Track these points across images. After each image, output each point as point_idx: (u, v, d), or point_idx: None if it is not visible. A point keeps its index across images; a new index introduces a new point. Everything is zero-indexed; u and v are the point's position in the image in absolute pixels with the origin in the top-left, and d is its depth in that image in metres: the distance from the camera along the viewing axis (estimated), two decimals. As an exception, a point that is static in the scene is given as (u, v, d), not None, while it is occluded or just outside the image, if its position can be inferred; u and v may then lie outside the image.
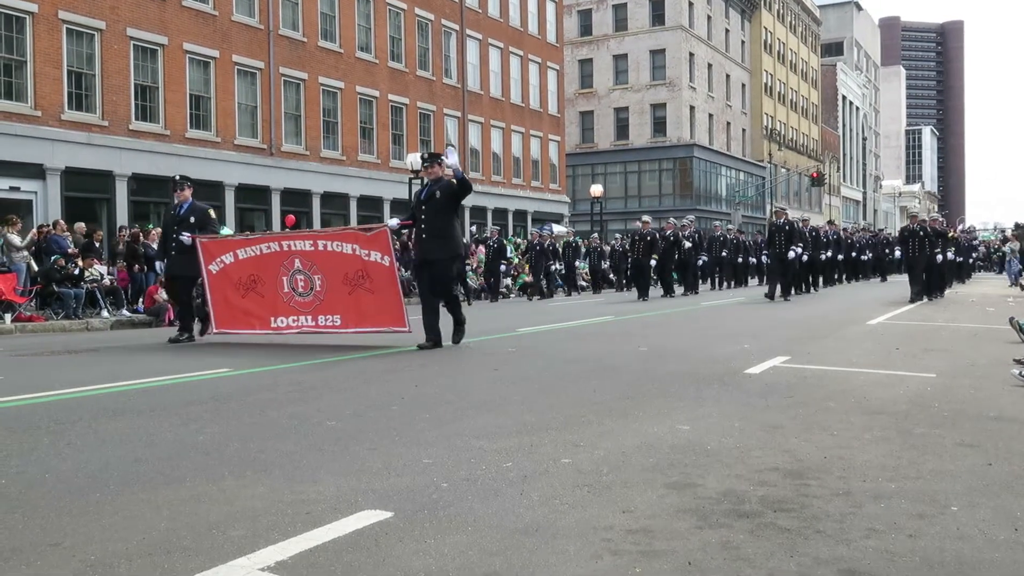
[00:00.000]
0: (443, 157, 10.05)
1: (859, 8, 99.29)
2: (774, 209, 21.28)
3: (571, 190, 48.90)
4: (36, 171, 21.08)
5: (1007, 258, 31.57)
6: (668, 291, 22.73)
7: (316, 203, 29.05)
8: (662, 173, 53.62)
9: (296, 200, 28.16)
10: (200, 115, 25.03)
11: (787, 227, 19.53)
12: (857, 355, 8.60)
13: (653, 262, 21.39)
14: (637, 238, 21.83)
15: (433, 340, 9.54)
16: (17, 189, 20.88)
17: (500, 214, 38.49)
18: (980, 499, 3.51)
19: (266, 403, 6.02)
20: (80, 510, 3.43)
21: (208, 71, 25.33)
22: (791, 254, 19.11)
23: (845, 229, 35.58)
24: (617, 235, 36.22)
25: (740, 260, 29.01)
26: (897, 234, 24.15)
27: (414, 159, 27.77)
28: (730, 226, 32.39)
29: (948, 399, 5.95)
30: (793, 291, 20.31)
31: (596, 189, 41.21)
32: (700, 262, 25.93)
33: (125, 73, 22.95)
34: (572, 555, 2.86)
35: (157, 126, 23.75)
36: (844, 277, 29.08)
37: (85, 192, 22.33)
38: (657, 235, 21.99)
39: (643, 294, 20.95)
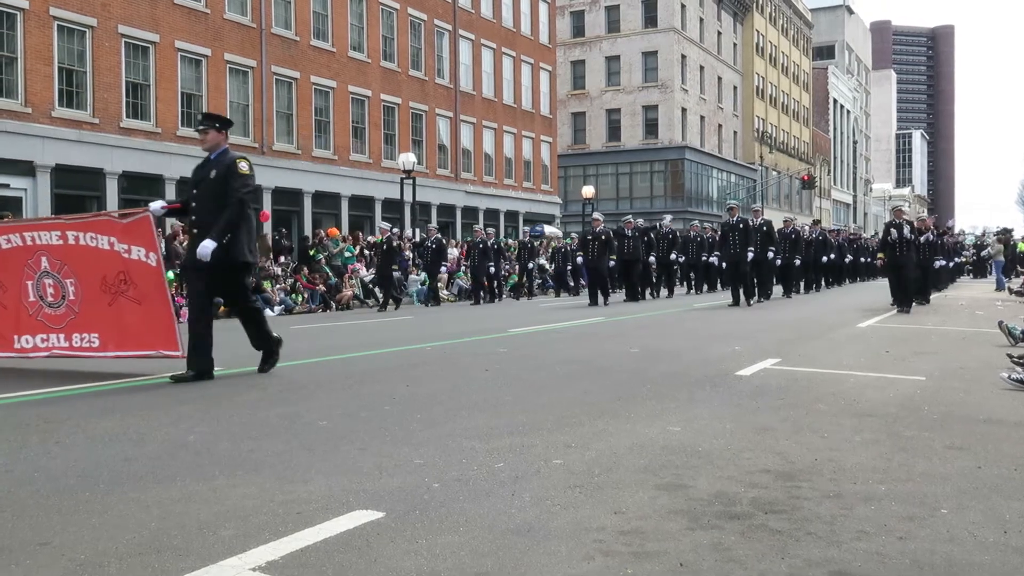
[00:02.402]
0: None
1: (850, 12, 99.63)
2: (728, 206, 19.32)
3: (563, 191, 48.94)
4: (26, 168, 20.99)
5: (988, 261, 31.79)
6: (632, 295, 20.82)
7: (307, 202, 29.00)
8: (654, 175, 53.69)
9: (287, 199, 28.11)
10: (192, 113, 24.94)
11: (741, 225, 17.80)
12: (847, 358, 8.63)
13: (612, 263, 19.69)
14: (590, 238, 19.92)
15: (198, 368, 6.98)
16: (7, 186, 20.78)
17: (492, 215, 38.49)
18: (970, 501, 3.52)
19: (256, 402, 6.01)
20: (70, 509, 3.42)
21: (200, 69, 25.26)
22: (750, 255, 17.44)
23: (835, 231, 34.74)
24: (574, 235, 33.92)
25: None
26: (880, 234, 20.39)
27: (406, 159, 27.75)
28: (707, 225, 29.50)
29: (938, 402, 5.97)
30: (758, 297, 18.53)
31: (588, 190, 41.26)
32: (676, 264, 24.48)
33: (116, 70, 22.87)
34: (564, 556, 2.86)
35: (148, 124, 23.68)
36: (826, 280, 26.63)
37: (75, 190, 22.24)
38: (612, 233, 20.21)
39: (594, 299, 19.02)
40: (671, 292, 23.80)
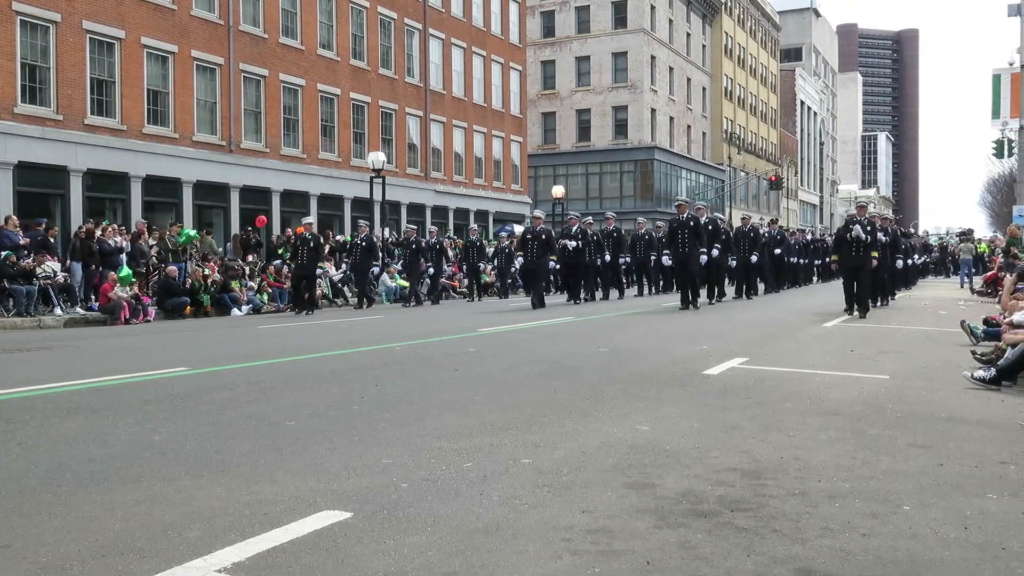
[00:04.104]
0: None
1: (818, 15, 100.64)
2: (676, 203, 17.91)
3: (533, 191, 48.96)
4: (-12, 165, 20.65)
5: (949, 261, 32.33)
6: (573, 296, 19.72)
7: (276, 201, 28.77)
8: (623, 175, 53.89)
9: (256, 198, 27.87)
10: (158, 110, 24.66)
11: (691, 223, 16.66)
12: (814, 357, 8.72)
13: (553, 263, 18.76)
14: (529, 237, 18.81)
15: None
16: (-32, 183, 20.42)
17: (462, 214, 38.43)
18: (932, 499, 3.58)
19: (224, 402, 5.96)
20: (31, 511, 3.37)
21: (166, 66, 24.97)
22: (703, 258, 16.49)
23: (799, 231, 33.72)
24: (503, 232, 32.07)
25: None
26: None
27: (376, 158, 27.62)
28: (660, 223, 26.26)
29: (901, 400, 6.05)
30: (707, 299, 17.64)
31: (558, 190, 41.31)
32: (623, 264, 22.95)
33: (81, 67, 22.54)
34: (532, 555, 2.86)
35: (113, 121, 23.37)
36: (782, 281, 25.07)
37: (39, 187, 21.88)
38: (552, 232, 19.05)
39: (539, 301, 17.68)
40: (621, 293, 22.43)
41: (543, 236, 18.55)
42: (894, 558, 2.87)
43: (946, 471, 4.06)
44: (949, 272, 39.13)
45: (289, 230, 25.64)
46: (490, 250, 27.10)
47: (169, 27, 24.93)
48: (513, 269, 24.65)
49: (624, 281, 23.75)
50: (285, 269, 20.92)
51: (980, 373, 6.87)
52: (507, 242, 25.64)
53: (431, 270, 22.31)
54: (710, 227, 17.40)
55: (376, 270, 21.63)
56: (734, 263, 20.90)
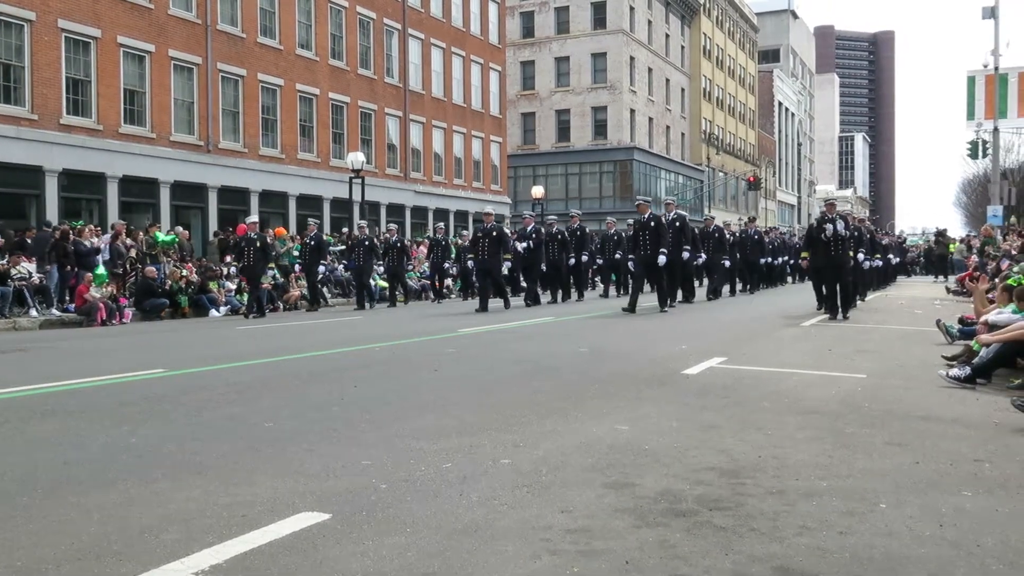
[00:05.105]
0: None
1: (795, 17, 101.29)
2: (636, 202, 16.84)
3: (512, 191, 48.98)
4: (-39, 165, 20.41)
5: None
6: (531, 298, 18.81)
7: (254, 201, 28.61)
8: (603, 175, 54.00)
9: (234, 199, 27.71)
10: (134, 110, 24.47)
11: (652, 223, 15.82)
12: (791, 356, 8.77)
13: (507, 265, 17.73)
14: (480, 235, 17.81)
15: None
16: (-59, 183, 20.19)
17: (441, 214, 38.36)
18: (908, 496, 3.61)
19: (202, 404, 5.92)
20: (6, 514, 3.33)
21: (143, 65, 24.78)
22: (661, 259, 15.48)
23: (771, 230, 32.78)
24: (465, 231, 31.74)
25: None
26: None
27: (355, 158, 27.54)
28: (629, 222, 24.31)
29: (878, 399, 6.10)
30: (669, 301, 16.58)
31: (537, 191, 41.33)
32: (595, 264, 22.46)
33: (56, 66, 22.33)
34: (511, 555, 2.87)
35: (89, 121, 23.16)
36: (755, 282, 24.08)
37: (13, 188, 21.66)
38: (505, 231, 18.17)
39: (483, 305, 16.91)
40: (580, 295, 21.17)
41: (494, 233, 17.44)
42: (871, 556, 2.90)
43: (922, 469, 4.10)
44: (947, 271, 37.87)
45: (268, 231, 25.49)
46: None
47: (146, 26, 24.74)
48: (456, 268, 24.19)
49: (588, 282, 23.08)
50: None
51: (955, 372, 6.95)
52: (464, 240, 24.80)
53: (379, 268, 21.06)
54: (677, 223, 16.78)
55: (323, 269, 20.59)
56: (700, 262, 20.06)
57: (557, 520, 3.24)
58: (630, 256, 17.42)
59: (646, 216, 16.00)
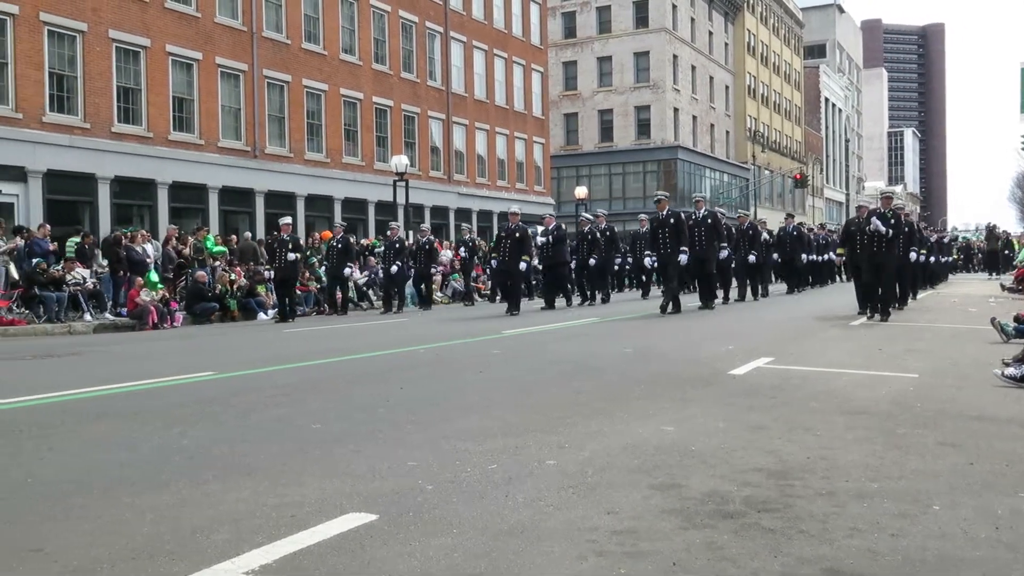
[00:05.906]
0: None
1: (841, 11, 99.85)
2: (655, 198, 16.23)
3: (556, 192, 48.92)
4: (18, 174, 20.91)
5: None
6: (549, 302, 18.43)
7: (300, 206, 28.95)
8: (646, 175, 53.70)
9: (280, 203, 28.04)
10: (183, 117, 24.90)
11: (672, 220, 15.38)
12: (840, 356, 8.65)
13: (524, 265, 17.19)
14: (504, 235, 17.31)
15: None
16: (-1, 192, 20.72)
17: (485, 216, 38.45)
18: (962, 498, 3.54)
19: (250, 406, 6.00)
20: (62, 515, 3.41)
21: (191, 73, 25.20)
22: (682, 258, 15.05)
23: (817, 227, 31.35)
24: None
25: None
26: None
27: (399, 161, 27.71)
28: (642, 217, 23.66)
29: (930, 399, 5.99)
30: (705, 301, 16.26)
31: (581, 191, 41.25)
32: (618, 264, 22.11)
33: (107, 75, 22.80)
34: (557, 556, 2.86)
35: (140, 128, 23.61)
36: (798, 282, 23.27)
37: (67, 195, 22.16)
38: (528, 231, 17.73)
39: (513, 307, 16.42)
40: (606, 297, 20.42)
41: (517, 235, 16.99)
42: (923, 558, 2.84)
43: (976, 470, 4.02)
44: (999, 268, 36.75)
45: (314, 234, 25.78)
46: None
47: (193, 34, 25.16)
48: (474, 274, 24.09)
49: (613, 283, 22.76)
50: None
51: (1011, 371, 6.78)
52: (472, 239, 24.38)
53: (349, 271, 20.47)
54: (708, 220, 16.24)
55: (348, 271, 20.22)
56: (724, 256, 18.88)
57: (603, 521, 3.23)
58: (647, 252, 16.76)
59: (664, 213, 15.48)
